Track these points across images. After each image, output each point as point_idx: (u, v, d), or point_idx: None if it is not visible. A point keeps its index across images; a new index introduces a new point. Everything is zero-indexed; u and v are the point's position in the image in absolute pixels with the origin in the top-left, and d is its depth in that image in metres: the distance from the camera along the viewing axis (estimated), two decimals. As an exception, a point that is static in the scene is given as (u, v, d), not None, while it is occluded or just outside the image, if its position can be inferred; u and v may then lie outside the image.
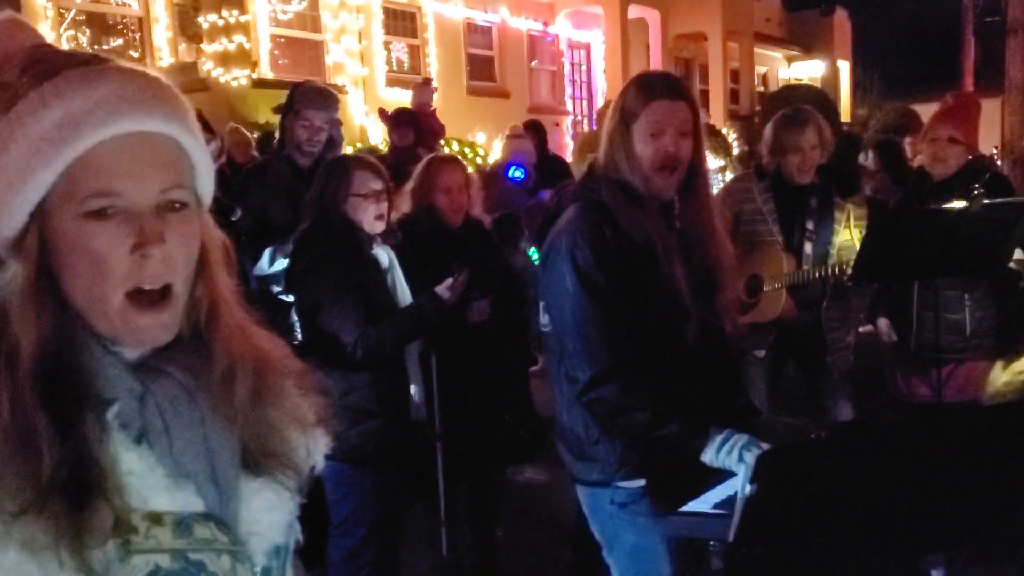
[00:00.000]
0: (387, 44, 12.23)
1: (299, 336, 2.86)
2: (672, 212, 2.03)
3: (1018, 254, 3.08)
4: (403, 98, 8.80)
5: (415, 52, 12.75)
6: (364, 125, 10.42)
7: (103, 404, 0.79)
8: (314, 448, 0.95)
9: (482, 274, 2.97)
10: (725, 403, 2.05)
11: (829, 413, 3.29)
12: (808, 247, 3.20)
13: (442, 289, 2.72)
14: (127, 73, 0.81)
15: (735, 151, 12.26)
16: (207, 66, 9.69)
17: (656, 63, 15.18)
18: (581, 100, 16.00)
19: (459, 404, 3.00)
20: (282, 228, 3.23)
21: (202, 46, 10.04)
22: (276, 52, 10.75)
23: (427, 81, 8.43)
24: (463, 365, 3.01)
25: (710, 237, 2.03)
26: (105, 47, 9.52)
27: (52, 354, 0.77)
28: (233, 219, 3.61)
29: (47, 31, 8.16)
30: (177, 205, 0.81)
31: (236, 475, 0.85)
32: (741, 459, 1.75)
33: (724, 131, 13.37)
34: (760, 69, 20.55)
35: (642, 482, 1.95)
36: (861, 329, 3.91)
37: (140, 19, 9.98)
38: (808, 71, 21.43)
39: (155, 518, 0.78)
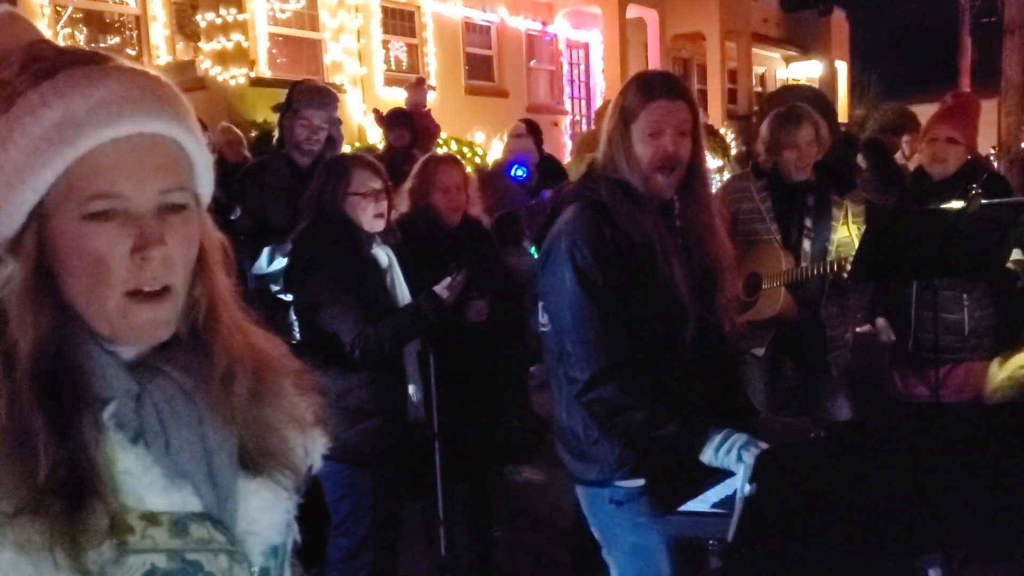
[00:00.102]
0: (385, 43, 12.22)
1: (297, 335, 2.85)
2: (672, 212, 2.03)
3: (1016, 254, 3.09)
4: (401, 97, 8.78)
5: (413, 51, 12.75)
6: (362, 124, 10.41)
7: (99, 404, 0.78)
8: (312, 448, 0.94)
9: (480, 274, 2.96)
10: (724, 402, 2.05)
11: (827, 412, 3.30)
12: (806, 244, 3.20)
13: (441, 289, 2.72)
14: (129, 73, 0.81)
15: (733, 151, 12.28)
16: (205, 65, 9.68)
17: (654, 63, 15.19)
18: (579, 100, 16.00)
19: (457, 404, 3.00)
20: (281, 227, 3.22)
21: (200, 44, 10.03)
22: (274, 51, 10.73)
23: (420, 81, 8.42)
24: (461, 365, 3.01)
25: (709, 237, 2.03)
26: (102, 45, 9.50)
27: (50, 354, 0.77)
28: (232, 218, 3.61)
29: (43, 29, 8.12)
30: (177, 207, 0.81)
31: (233, 475, 0.85)
32: (740, 459, 1.75)
33: (722, 131, 13.38)
34: (758, 69, 20.58)
35: (641, 482, 1.95)
36: (859, 329, 3.92)
37: (137, 17, 9.97)
38: (806, 71, 21.47)
39: (151, 518, 0.78)
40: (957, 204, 2.85)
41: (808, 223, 3.22)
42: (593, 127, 9.57)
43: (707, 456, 1.81)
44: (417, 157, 5.89)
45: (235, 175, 4.05)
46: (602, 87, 15.40)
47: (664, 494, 1.85)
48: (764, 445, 1.75)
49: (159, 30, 10.02)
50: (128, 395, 0.79)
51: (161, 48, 10.02)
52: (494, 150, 10.45)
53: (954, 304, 3.25)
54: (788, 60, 21.98)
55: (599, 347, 1.90)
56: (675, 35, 16.77)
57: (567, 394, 2.00)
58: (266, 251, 3.32)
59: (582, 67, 16.07)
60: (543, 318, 2.06)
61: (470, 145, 10.93)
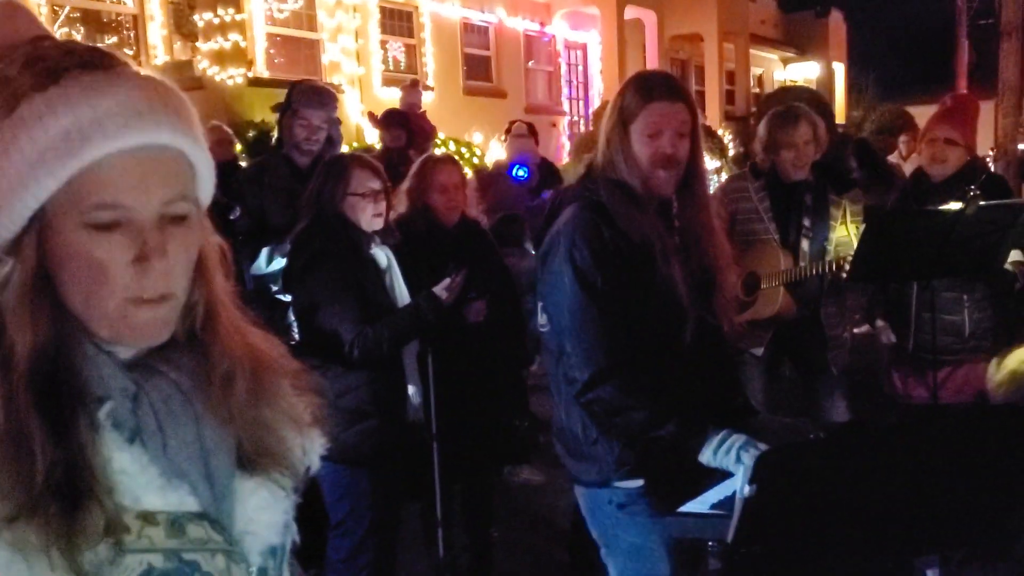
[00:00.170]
0: (383, 43, 12.21)
1: (296, 336, 2.85)
2: (670, 212, 2.03)
3: (1016, 255, 3.09)
4: (399, 98, 8.79)
5: (411, 51, 12.74)
6: (360, 125, 10.40)
7: (96, 403, 0.78)
8: (310, 448, 0.94)
9: (479, 274, 2.96)
10: (723, 402, 2.05)
11: (825, 412, 3.30)
12: (805, 244, 3.21)
13: (440, 289, 2.71)
14: (136, 81, 0.80)
15: (731, 152, 12.29)
16: (202, 64, 9.66)
17: (652, 64, 15.20)
18: (577, 101, 16.02)
19: (455, 404, 2.99)
20: (280, 227, 3.22)
21: (197, 44, 10.01)
22: (272, 51, 10.73)
23: (415, 83, 8.44)
24: (459, 365, 3.00)
25: (708, 237, 2.03)
26: (99, 45, 9.45)
27: (47, 356, 0.77)
28: (231, 218, 3.60)
29: (42, 29, 8.07)
30: (179, 217, 0.81)
31: (231, 474, 0.85)
32: (739, 459, 1.75)
33: (720, 132, 13.39)
34: (756, 70, 20.61)
35: (640, 482, 1.95)
36: (857, 330, 3.94)
37: (135, 17, 9.95)
38: (803, 73, 21.51)
39: (148, 517, 0.77)
40: (956, 205, 2.85)
41: (806, 223, 3.22)
42: (591, 128, 9.58)
43: (706, 456, 1.80)
44: (413, 158, 5.90)
45: (228, 174, 4.04)
46: (600, 88, 15.42)
47: (663, 495, 1.85)
48: (763, 446, 1.75)
49: (156, 30, 10.00)
50: (125, 394, 0.79)
51: (158, 48, 10.01)
52: (492, 150, 10.46)
53: (954, 305, 3.25)
54: (786, 61, 22.02)
55: (598, 347, 1.89)
56: (673, 36, 16.79)
57: (566, 394, 2.00)
58: (265, 251, 3.32)
59: (580, 68, 16.08)
60: (542, 318, 2.06)
61: (468, 146, 10.93)
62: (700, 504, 1.76)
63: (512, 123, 7.40)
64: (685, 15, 16.42)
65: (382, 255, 2.78)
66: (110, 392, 0.79)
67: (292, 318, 2.92)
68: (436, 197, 3.14)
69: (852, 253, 2.97)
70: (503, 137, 7.11)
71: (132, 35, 9.96)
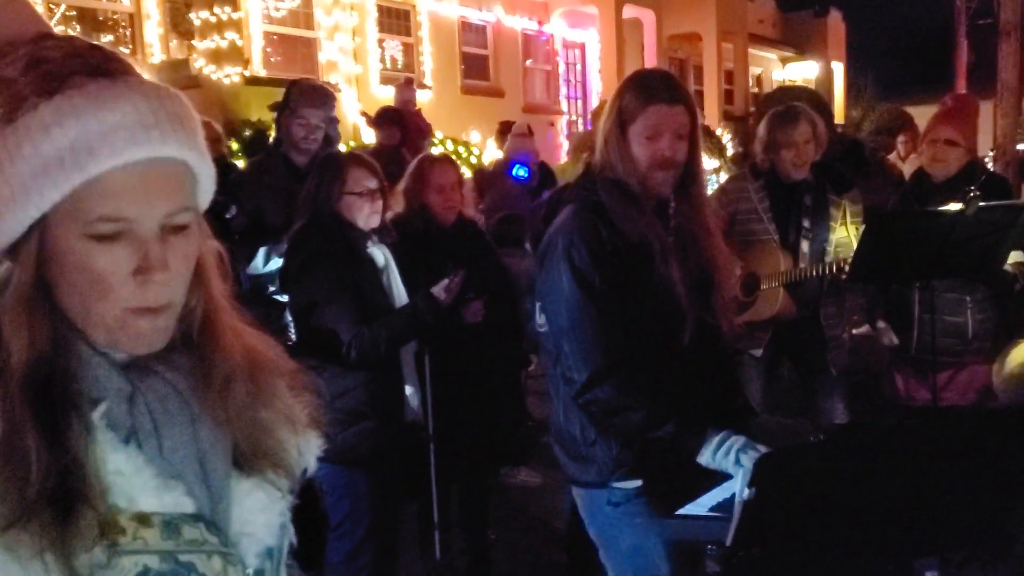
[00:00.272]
0: (381, 42, 12.20)
1: (293, 336, 2.83)
2: (667, 212, 2.02)
3: (1016, 256, 3.09)
4: (397, 97, 8.78)
5: (409, 50, 12.73)
6: (357, 124, 10.38)
7: (90, 404, 0.78)
8: (306, 449, 0.94)
9: (476, 274, 2.95)
10: (722, 403, 2.05)
11: (824, 413, 3.30)
12: (805, 245, 3.21)
13: (438, 290, 2.70)
14: (142, 91, 0.79)
15: (729, 152, 12.29)
16: (199, 63, 9.63)
17: (651, 63, 15.19)
18: (576, 100, 16.01)
19: (453, 405, 2.99)
20: (278, 227, 3.21)
21: (194, 43, 9.99)
22: (269, 49, 10.71)
23: (409, 81, 8.43)
24: (457, 366, 3.00)
25: (705, 238, 2.02)
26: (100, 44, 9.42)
27: (44, 362, 0.76)
28: (227, 216, 3.58)
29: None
30: (180, 227, 0.81)
31: (227, 476, 0.85)
32: (738, 461, 1.75)
33: (718, 132, 13.39)
34: (754, 70, 20.62)
35: (639, 483, 1.94)
36: (856, 331, 3.93)
37: (131, 15, 9.92)
38: (802, 72, 21.52)
39: (143, 519, 0.77)
40: (956, 206, 2.85)
41: (806, 223, 3.22)
42: (589, 127, 9.56)
43: (705, 458, 1.80)
44: (406, 156, 5.88)
45: (219, 172, 4.01)
46: (598, 87, 15.41)
47: (661, 496, 1.84)
48: (762, 447, 1.74)
49: (153, 28, 9.97)
50: (120, 395, 0.79)
51: (155, 46, 9.98)
52: (490, 150, 10.44)
53: (957, 307, 3.25)
54: (785, 61, 22.03)
55: (596, 348, 1.89)
56: (671, 35, 16.79)
57: (564, 395, 1.99)
58: (262, 251, 3.30)
59: (578, 67, 16.08)
60: (540, 319, 2.05)
61: (466, 145, 10.92)
62: (699, 506, 1.75)
63: (502, 123, 7.40)
64: (684, 14, 16.42)
65: (379, 254, 2.77)
66: (106, 393, 0.78)
67: (289, 318, 2.91)
68: (433, 197, 3.13)
69: (852, 254, 2.97)
70: (495, 138, 7.11)
71: (128, 33, 9.93)
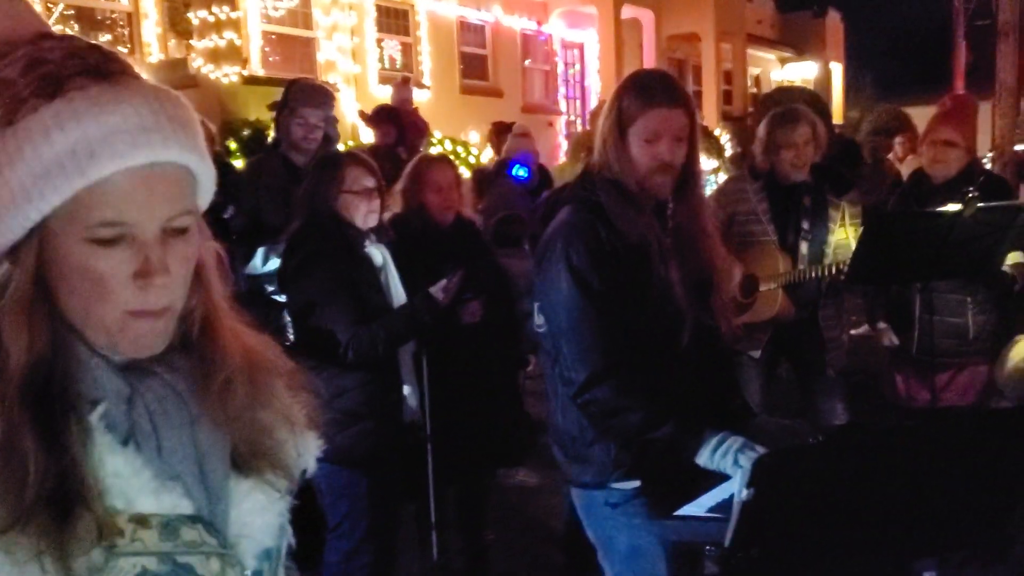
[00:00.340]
0: (379, 42, 12.19)
1: (291, 337, 2.83)
2: (666, 213, 2.02)
3: (1017, 257, 3.09)
4: (396, 97, 8.76)
5: (408, 50, 12.72)
6: (356, 123, 10.38)
7: (88, 405, 0.78)
8: (304, 450, 0.94)
9: (474, 274, 2.95)
10: (720, 404, 2.04)
11: (823, 414, 3.30)
12: (804, 246, 3.21)
13: (436, 290, 2.70)
14: (143, 94, 0.78)
15: (728, 152, 12.29)
16: (197, 63, 9.62)
17: (649, 64, 15.20)
18: (574, 100, 16.01)
19: (450, 406, 2.98)
20: (276, 227, 3.21)
21: (192, 42, 9.98)
22: (267, 49, 10.70)
23: (406, 79, 8.40)
24: (454, 366, 2.99)
25: (703, 239, 2.02)
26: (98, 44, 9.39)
27: (43, 365, 0.76)
28: (224, 216, 3.58)
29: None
30: (181, 230, 0.81)
31: (225, 477, 0.84)
32: (736, 462, 1.74)
33: (717, 132, 13.39)
34: (753, 70, 20.63)
35: (637, 483, 1.94)
36: (854, 331, 3.94)
37: (129, 14, 9.91)
38: (801, 73, 21.53)
39: (141, 520, 0.77)
40: (955, 207, 2.85)
41: (805, 225, 3.22)
42: (588, 127, 9.56)
43: (703, 459, 1.79)
44: (401, 154, 5.86)
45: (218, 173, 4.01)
46: (597, 87, 15.41)
47: (660, 497, 1.84)
48: (761, 448, 1.74)
49: (151, 27, 9.96)
50: (119, 396, 0.79)
51: (153, 46, 9.96)
52: (488, 150, 10.44)
53: (958, 308, 3.25)
54: (783, 61, 22.04)
55: (595, 348, 1.89)
56: (670, 36, 16.79)
57: (563, 396, 1.99)
58: (260, 251, 3.30)
59: (577, 67, 16.08)
60: (538, 319, 2.05)
61: (464, 145, 10.91)
62: (697, 507, 1.75)
63: (494, 124, 7.39)
64: (682, 15, 16.42)
65: (377, 254, 2.76)
66: (104, 394, 0.78)
67: (287, 319, 2.90)
68: (431, 197, 3.12)
69: (850, 257, 2.97)
70: (488, 138, 7.09)
71: (126, 33, 9.91)
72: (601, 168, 1.99)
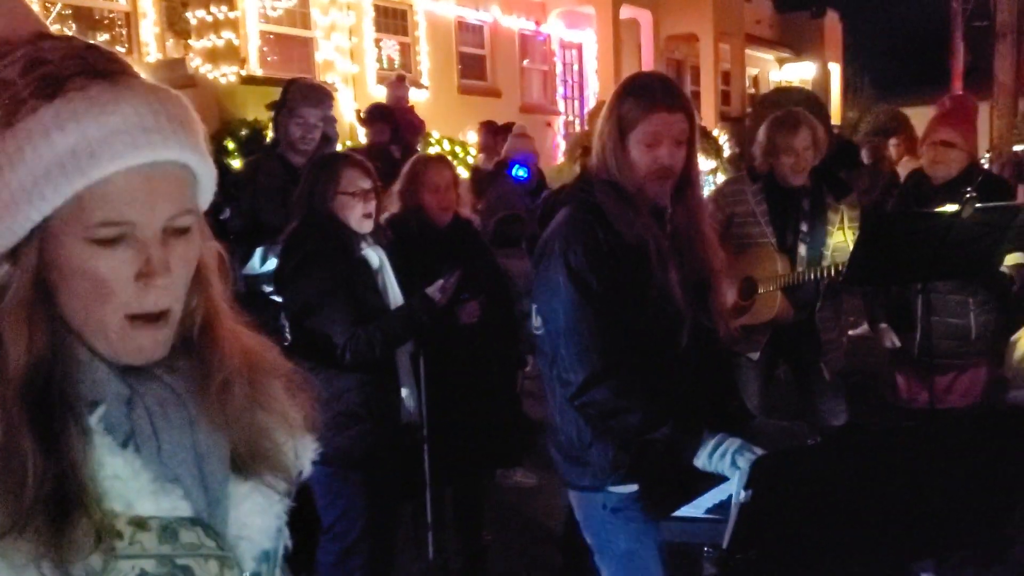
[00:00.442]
0: (378, 42, 12.18)
1: (289, 337, 2.82)
2: (664, 215, 2.02)
3: (1017, 257, 3.09)
4: (396, 96, 8.74)
5: (406, 50, 12.71)
6: (354, 123, 10.37)
7: (88, 407, 0.77)
8: (302, 451, 0.94)
9: (472, 275, 2.94)
10: (718, 406, 2.04)
11: (821, 416, 3.30)
12: (802, 249, 3.21)
13: (433, 291, 2.69)
14: (143, 94, 0.78)
15: (726, 153, 12.30)
16: (195, 63, 9.60)
17: (648, 64, 15.20)
18: (573, 100, 16.01)
19: (448, 406, 2.98)
20: (274, 227, 3.20)
21: (190, 42, 9.96)
22: (265, 49, 10.68)
23: (401, 78, 8.37)
24: (452, 367, 2.99)
25: (701, 241, 2.02)
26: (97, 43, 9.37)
27: (43, 367, 0.76)
28: (221, 218, 3.58)
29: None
30: (182, 229, 0.80)
31: (225, 479, 0.84)
32: (734, 464, 1.74)
33: (715, 133, 13.40)
34: (751, 71, 20.62)
35: (634, 487, 1.94)
36: (853, 332, 3.94)
37: (127, 14, 9.89)
38: (799, 73, 21.54)
39: (140, 523, 0.77)
40: (953, 207, 2.85)
41: (804, 227, 3.22)
42: (586, 128, 9.56)
43: (701, 461, 1.79)
44: (394, 154, 5.84)
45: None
46: (595, 88, 15.40)
47: (657, 499, 1.84)
48: (758, 450, 1.74)
49: (149, 27, 9.94)
50: (119, 398, 0.79)
51: (151, 45, 9.95)
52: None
53: (960, 309, 3.25)
54: (781, 62, 22.05)
55: (593, 349, 1.88)
56: (669, 36, 16.79)
57: (560, 397, 1.98)
58: (259, 252, 3.30)
59: (575, 67, 16.07)
60: (536, 320, 2.05)
61: (462, 145, 10.91)
62: (695, 509, 1.75)
63: (482, 123, 7.38)
64: (680, 15, 16.41)
65: (374, 255, 2.76)
66: (104, 396, 0.78)
67: (285, 320, 2.89)
68: (428, 197, 3.12)
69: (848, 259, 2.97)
70: (477, 135, 7.06)
71: (124, 32, 9.90)
72: (599, 169, 1.99)
